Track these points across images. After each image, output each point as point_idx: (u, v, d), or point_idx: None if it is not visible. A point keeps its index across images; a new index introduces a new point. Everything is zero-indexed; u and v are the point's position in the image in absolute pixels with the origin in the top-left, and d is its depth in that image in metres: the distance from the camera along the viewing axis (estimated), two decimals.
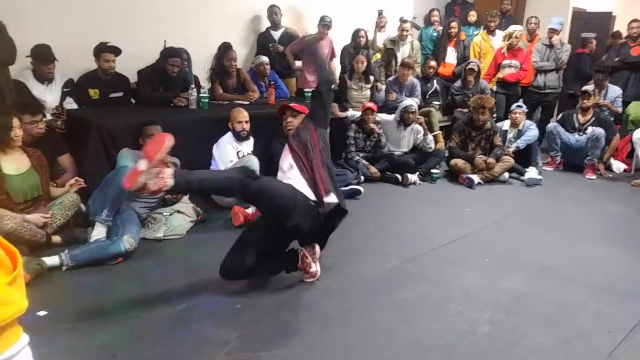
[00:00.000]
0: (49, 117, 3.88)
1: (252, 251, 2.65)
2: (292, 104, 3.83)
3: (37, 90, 4.10)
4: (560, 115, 6.32)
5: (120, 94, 4.55)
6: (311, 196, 2.63)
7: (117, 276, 2.87)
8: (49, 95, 4.17)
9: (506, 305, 2.73)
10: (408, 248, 3.45)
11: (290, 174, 2.73)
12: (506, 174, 5.30)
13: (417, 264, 3.21)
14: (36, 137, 3.37)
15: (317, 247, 2.84)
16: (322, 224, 2.76)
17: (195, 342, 2.26)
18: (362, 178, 4.96)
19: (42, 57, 4.05)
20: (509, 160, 5.29)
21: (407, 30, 6.39)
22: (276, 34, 5.95)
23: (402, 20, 6.51)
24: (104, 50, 4.33)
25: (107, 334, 2.29)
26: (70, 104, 4.29)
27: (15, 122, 3.03)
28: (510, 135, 5.69)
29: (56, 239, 3.14)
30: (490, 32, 6.82)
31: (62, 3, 4.47)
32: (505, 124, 5.79)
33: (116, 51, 4.37)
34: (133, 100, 4.71)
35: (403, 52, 6.44)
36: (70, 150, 3.73)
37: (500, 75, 6.45)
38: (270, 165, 4.35)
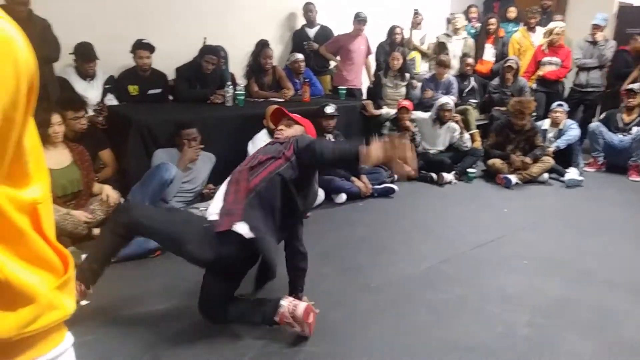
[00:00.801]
0: (91, 113, 3.99)
1: (209, 293, 2.28)
2: (292, 114, 2.72)
3: (80, 86, 4.23)
4: (603, 115, 6.12)
5: (158, 91, 4.64)
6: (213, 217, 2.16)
7: (155, 269, 2.93)
8: (91, 92, 4.28)
9: (545, 309, 2.65)
10: (444, 248, 3.40)
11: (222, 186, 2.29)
12: (545, 175, 5.16)
13: (453, 265, 3.16)
14: (79, 133, 3.47)
15: (302, 304, 2.22)
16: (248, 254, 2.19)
17: (228, 337, 2.28)
18: (396, 177, 4.91)
19: (85, 55, 4.17)
20: (549, 161, 5.15)
21: (455, 19, 6.38)
22: (311, 32, 5.96)
23: (451, 18, 6.53)
24: (138, 47, 4.43)
25: (144, 325, 2.34)
26: (111, 100, 4.40)
27: (55, 118, 3.10)
28: (550, 135, 5.53)
29: (97, 231, 3.22)
30: (531, 28, 6.65)
31: (104, 2, 4.59)
32: (545, 123, 5.63)
33: (150, 48, 4.45)
34: (171, 97, 4.80)
35: (454, 48, 6.39)
36: (111, 146, 3.83)
37: (540, 72, 6.28)
38: None
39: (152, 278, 2.82)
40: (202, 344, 2.22)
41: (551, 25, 6.26)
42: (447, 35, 6.53)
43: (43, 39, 3.81)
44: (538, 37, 6.54)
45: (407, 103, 5.18)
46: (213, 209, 2.20)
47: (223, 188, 2.25)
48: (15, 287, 0.70)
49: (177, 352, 2.15)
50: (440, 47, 6.41)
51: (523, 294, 2.80)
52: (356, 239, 3.53)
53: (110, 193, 3.28)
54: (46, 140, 3.08)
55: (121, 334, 2.27)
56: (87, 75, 4.27)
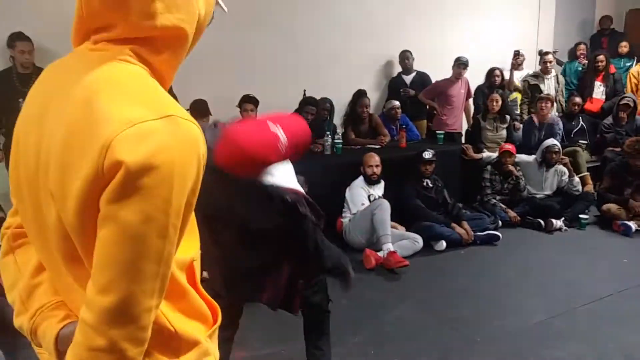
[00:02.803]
0: None
1: None
2: None
3: None
4: None
5: None
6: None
7: (257, 311, 3.01)
8: None
9: None
10: (556, 301, 3.17)
11: None
12: None
13: (567, 320, 2.93)
14: None
15: None
16: None
17: None
18: (500, 223, 4.70)
19: (200, 111, 4.52)
20: None
21: (551, 62, 6.12)
22: (408, 78, 6.01)
23: (543, 53, 6.25)
24: (244, 101, 4.75)
25: None
26: None
27: None
28: None
29: None
30: None
31: (213, 61, 4.98)
32: None
33: (255, 101, 4.74)
34: None
35: (548, 87, 6.14)
36: None
37: None
38: (401, 209, 4.35)
39: (253, 320, 2.89)
40: None
41: None
42: (535, 76, 6.24)
43: None
44: None
45: (509, 147, 5.00)
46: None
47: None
48: (181, 337, 0.80)
49: None
50: (532, 89, 6.16)
51: None
52: (459, 289, 3.41)
53: None
54: None
55: None
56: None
